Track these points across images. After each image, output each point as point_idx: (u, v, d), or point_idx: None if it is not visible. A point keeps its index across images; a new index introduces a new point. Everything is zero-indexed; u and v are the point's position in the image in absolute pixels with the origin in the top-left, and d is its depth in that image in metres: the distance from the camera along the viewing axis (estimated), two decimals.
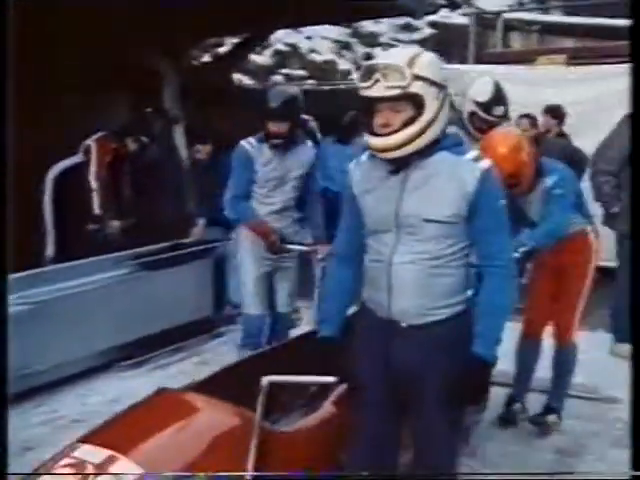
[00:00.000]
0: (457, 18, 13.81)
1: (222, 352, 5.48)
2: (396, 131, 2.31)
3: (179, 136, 6.79)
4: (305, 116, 6.50)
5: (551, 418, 4.15)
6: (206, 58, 10.38)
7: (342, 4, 7.16)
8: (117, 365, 5.13)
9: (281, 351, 3.35)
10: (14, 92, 2.43)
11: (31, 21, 4.24)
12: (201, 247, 5.91)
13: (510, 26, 10.72)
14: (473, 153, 2.44)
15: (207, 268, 5.97)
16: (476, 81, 4.81)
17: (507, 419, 4.18)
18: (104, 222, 5.60)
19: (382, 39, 14.64)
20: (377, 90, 2.28)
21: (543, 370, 4.30)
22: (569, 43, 10.32)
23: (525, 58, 8.58)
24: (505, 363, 4.19)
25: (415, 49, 2.43)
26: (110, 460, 2.28)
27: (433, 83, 2.32)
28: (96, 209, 5.53)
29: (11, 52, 2.39)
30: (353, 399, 2.64)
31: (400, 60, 2.29)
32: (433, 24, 14.35)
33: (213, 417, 2.60)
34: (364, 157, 2.55)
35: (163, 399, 2.80)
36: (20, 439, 3.84)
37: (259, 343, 4.27)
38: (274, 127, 4.18)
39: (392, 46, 14.55)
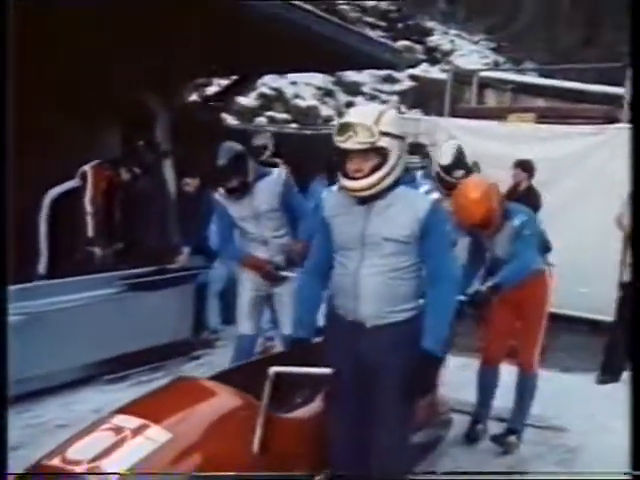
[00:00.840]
0: (436, 73, 14.41)
1: (198, 374, 5.77)
2: (366, 176, 2.84)
3: (168, 169, 7.08)
4: (276, 159, 6.81)
5: (511, 439, 4.54)
6: (196, 97, 10.76)
7: (327, 54, 7.54)
8: (100, 379, 5.43)
9: (277, 360, 3.67)
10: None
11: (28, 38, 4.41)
12: (184, 273, 6.23)
13: (485, 83, 11.25)
14: (425, 187, 3.05)
15: (189, 294, 6.30)
16: (443, 144, 5.32)
17: (471, 437, 4.58)
18: (96, 245, 5.92)
19: (364, 88, 15.16)
20: (351, 144, 2.80)
21: (502, 400, 4.70)
22: (540, 103, 10.86)
23: (497, 115, 9.10)
24: (468, 394, 4.65)
25: (380, 108, 2.97)
26: (144, 426, 2.73)
27: (395, 136, 2.85)
28: (90, 232, 5.86)
29: (11, 54, 2.59)
30: (329, 396, 3.10)
31: (369, 119, 2.80)
32: (414, 77, 14.91)
33: (226, 399, 3.06)
34: (335, 187, 3.08)
35: (182, 384, 3.30)
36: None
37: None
38: (228, 184, 4.55)
39: (373, 96, 15.13)
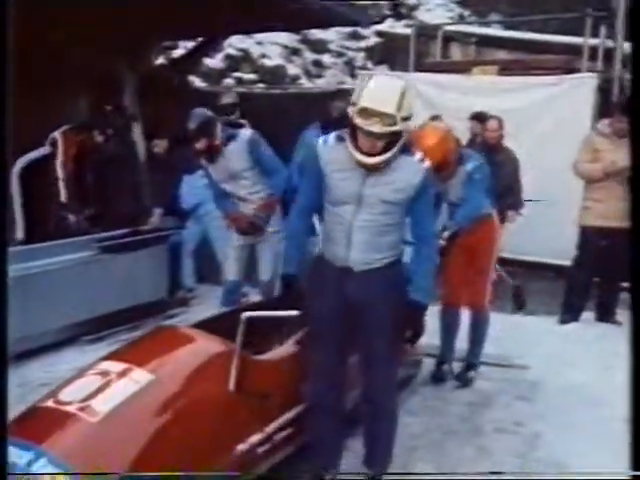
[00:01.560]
0: (402, 28, 14.40)
1: None
2: (380, 153, 3.08)
3: (137, 132, 7.16)
4: (241, 120, 6.97)
5: (471, 373, 4.87)
6: (162, 60, 10.74)
7: (291, 13, 7.60)
8: (81, 339, 5.58)
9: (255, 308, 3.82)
10: None
11: None
12: (157, 234, 6.38)
13: (450, 37, 11.34)
14: (418, 155, 3.24)
15: (163, 254, 6.45)
16: None
17: (438, 377, 4.85)
18: (70, 210, 6.03)
19: (330, 46, 15.12)
20: (375, 128, 3.00)
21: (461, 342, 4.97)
22: (503, 55, 10.97)
23: (461, 68, 9.23)
24: (436, 339, 4.90)
25: (400, 89, 3.06)
26: (128, 370, 2.97)
27: (409, 118, 3.08)
28: (63, 198, 5.96)
29: (11, 53, 2.69)
30: (312, 334, 3.36)
31: (393, 108, 2.99)
32: (380, 33, 14.89)
33: (204, 344, 3.31)
34: (332, 140, 3.25)
35: (163, 332, 3.57)
36: None
37: (234, 304, 4.94)
38: (197, 145, 4.92)
39: (340, 53, 15.12)
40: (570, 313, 6.16)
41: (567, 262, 6.60)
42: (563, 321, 6.14)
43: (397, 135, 3.06)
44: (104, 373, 2.97)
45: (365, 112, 3.00)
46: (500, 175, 5.87)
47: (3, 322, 2.69)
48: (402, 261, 3.38)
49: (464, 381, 4.81)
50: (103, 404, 2.79)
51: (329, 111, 6.99)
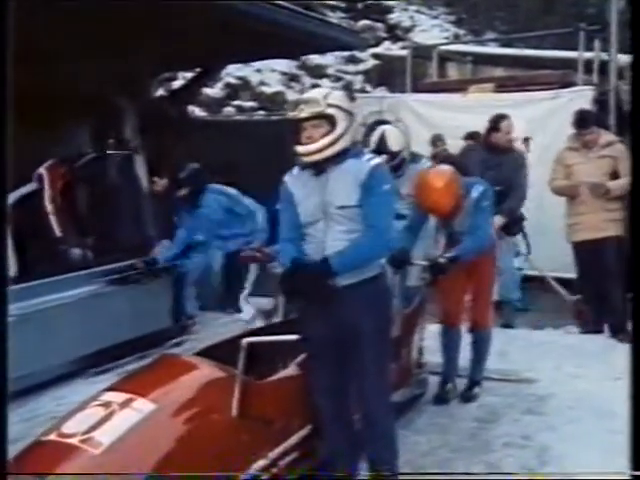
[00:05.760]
0: (399, 50, 14.53)
1: None
2: (316, 140, 3.19)
3: (140, 165, 7.20)
4: None
5: (475, 390, 4.82)
6: (162, 92, 10.84)
7: (288, 41, 7.69)
8: (87, 372, 5.59)
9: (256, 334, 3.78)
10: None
11: None
12: (162, 266, 6.44)
13: (446, 57, 11.45)
14: (367, 156, 3.34)
15: (166, 284, 6.51)
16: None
17: (442, 398, 4.75)
18: (68, 243, 6.04)
19: (329, 71, 15.28)
20: (303, 113, 3.21)
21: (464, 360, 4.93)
22: (499, 72, 11.06)
23: (458, 87, 9.32)
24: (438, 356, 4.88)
25: (329, 88, 3.54)
26: (130, 400, 2.97)
27: (342, 109, 3.24)
28: (56, 231, 5.98)
29: (10, 56, 2.68)
30: (308, 354, 3.41)
31: (318, 95, 3.28)
32: (376, 56, 15.04)
33: (205, 371, 3.30)
34: (295, 171, 3.41)
35: (165, 361, 3.60)
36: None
37: None
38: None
39: (338, 77, 15.27)
40: (588, 325, 6.16)
41: (570, 274, 6.60)
42: (582, 332, 6.19)
43: (331, 123, 3.18)
44: (106, 404, 2.97)
45: (296, 103, 3.29)
46: (501, 177, 5.73)
47: (3, 362, 2.71)
48: (384, 275, 3.43)
49: (468, 399, 4.76)
50: (106, 435, 2.78)
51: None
